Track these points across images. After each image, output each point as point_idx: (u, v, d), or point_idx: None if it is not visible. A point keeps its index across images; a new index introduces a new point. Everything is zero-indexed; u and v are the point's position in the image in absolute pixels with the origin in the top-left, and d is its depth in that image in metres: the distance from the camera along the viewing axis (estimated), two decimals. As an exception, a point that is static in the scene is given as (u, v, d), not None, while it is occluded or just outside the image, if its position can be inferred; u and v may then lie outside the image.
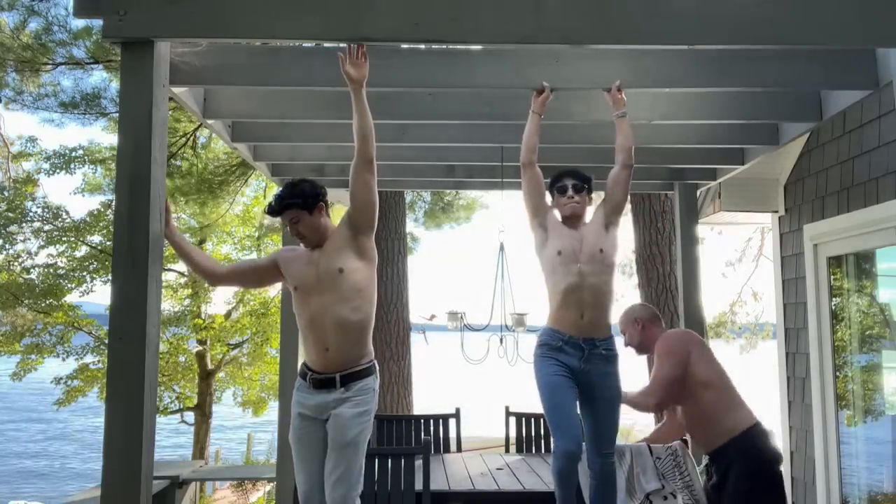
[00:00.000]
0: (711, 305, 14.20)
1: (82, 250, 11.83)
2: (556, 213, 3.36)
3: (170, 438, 14.46)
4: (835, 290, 4.78)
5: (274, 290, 12.81)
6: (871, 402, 4.55)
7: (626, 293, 11.14)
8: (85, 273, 11.68)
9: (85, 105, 9.00)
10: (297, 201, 2.91)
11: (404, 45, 3.26)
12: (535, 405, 6.03)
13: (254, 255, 13.43)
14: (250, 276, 3.29)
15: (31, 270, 11.69)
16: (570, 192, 3.29)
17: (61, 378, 11.98)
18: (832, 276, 4.79)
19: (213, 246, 13.26)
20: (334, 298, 2.80)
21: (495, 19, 2.53)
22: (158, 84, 2.57)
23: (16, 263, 11.69)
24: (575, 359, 3.14)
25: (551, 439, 3.29)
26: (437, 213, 12.89)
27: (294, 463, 2.91)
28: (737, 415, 3.29)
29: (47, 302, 11.57)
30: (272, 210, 2.96)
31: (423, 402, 9.82)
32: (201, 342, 12.72)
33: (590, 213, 3.42)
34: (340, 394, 2.82)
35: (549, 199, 3.42)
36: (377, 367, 2.94)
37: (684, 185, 5.08)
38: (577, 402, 3.17)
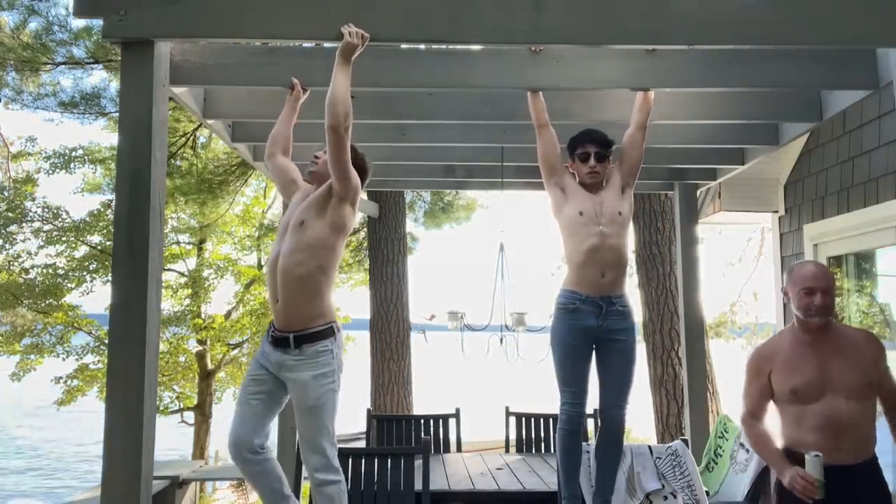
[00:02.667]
0: (711, 305, 14.17)
1: (82, 250, 11.83)
2: (574, 175, 3.38)
3: (170, 438, 14.47)
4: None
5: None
6: (871, 402, 4.54)
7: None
8: (85, 273, 11.67)
9: (85, 105, 9.01)
10: None
11: (404, 45, 3.26)
12: (534, 405, 6.04)
13: (254, 256, 13.41)
14: (284, 181, 3.21)
15: (31, 270, 11.68)
16: (592, 161, 3.29)
17: (61, 377, 11.98)
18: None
19: (213, 246, 13.27)
20: (287, 248, 2.83)
21: (495, 19, 2.53)
22: (158, 84, 2.58)
23: (16, 263, 11.68)
24: (592, 317, 3.21)
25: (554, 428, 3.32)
26: (437, 213, 12.88)
27: (236, 404, 2.90)
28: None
29: (47, 302, 11.56)
30: None
31: (423, 402, 9.82)
32: (201, 342, 12.71)
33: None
34: (295, 356, 2.79)
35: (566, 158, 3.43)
36: (337, 330, 2.89)
37: (684, 185, 5.08)
38: (589, 364, 3.26)
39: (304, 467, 2.87)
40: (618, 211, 3.25)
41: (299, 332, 2.80)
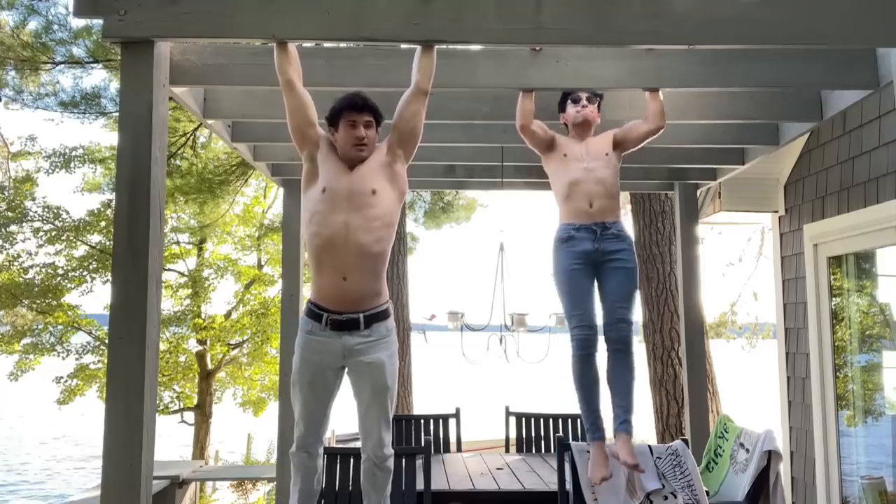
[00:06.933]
0: (711, 305, 14.18)
1: (81, 250, 11.82)
2: (563, 138, 3.41)
3: (170, 438, 14.48)
4: (835, 290, 4.78)
5: (274, 290, 12.81)
6: (871, 402, 4.55)
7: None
8: (85, 273, 11.66)
9: (85, 105, 9.01)
10: (376, 112, 2.88)
11: (404, 45, 3.25)
12: (534, 405, 6.04)
13: (254, 256, 13.41)
14: (300, 118, 2.81)
15: (30, 270, 11.68)
16: (584, 101, 3.34)
17: (61, 377, 11.97)
18: (832, 276, 4.79)
19: (213, 246, 13.26)
20: (360, 222, 2.69)
21: (495, 19, 2.53)
22: (158, 84, 2.58)
23: (16, 263, 11.67)
24: (588, 241, 3.24)
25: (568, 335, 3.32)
26: (437, 213, 12.89)
27: (299, 404, 2.81)
28: None
29: (47, 302, 11.55)
30: (357, 105, 2.81)
31: (423, 402, 9.81)
32: (201, 342, 12.70)
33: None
34: (365, 337, 2.73)
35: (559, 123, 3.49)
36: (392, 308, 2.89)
37: (684, 185, 5.08)
38: (592, 286, 3.27)
39: (365, 448, 2.86)
40: (604, 152, 3.31)
41: (368, 311, 2.74)
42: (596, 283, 3.29)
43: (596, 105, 3.38)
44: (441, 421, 5.50)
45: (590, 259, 3.24)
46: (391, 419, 2.86)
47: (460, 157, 4.66)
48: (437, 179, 5.18)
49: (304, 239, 2.86)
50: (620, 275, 3.26)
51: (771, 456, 3.80)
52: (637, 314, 7.34)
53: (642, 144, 3.37)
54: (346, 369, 2.82)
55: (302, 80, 2.79)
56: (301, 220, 2.86)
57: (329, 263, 2.71)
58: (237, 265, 12.92)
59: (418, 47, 2.74)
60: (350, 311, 2.72)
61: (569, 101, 3.40)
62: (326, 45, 3.14)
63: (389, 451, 2.86)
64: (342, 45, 3.11)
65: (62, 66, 8.73)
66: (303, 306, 2.89)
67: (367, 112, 2.83)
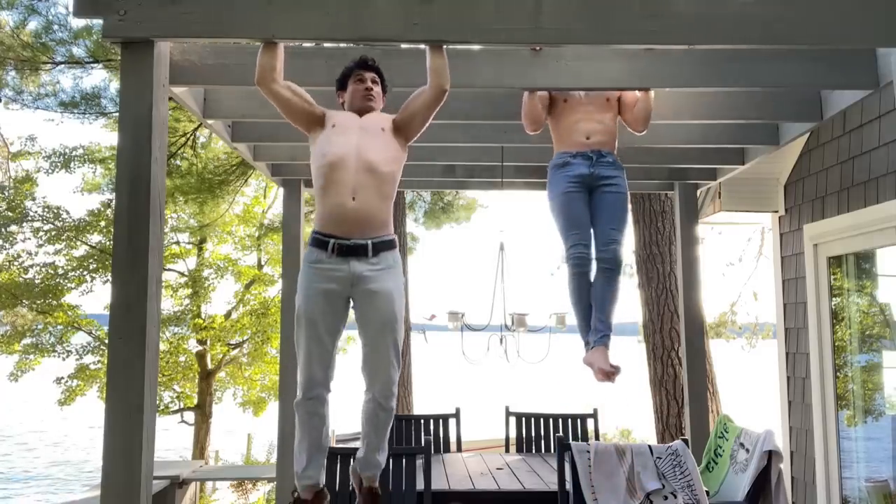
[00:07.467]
0: (711, 305, 14.17)
1: (81, 250, 11.82)
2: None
3: (170, 438, 14.47)
4: (835, 290, 4.78)
5: (274, 290, 12.82)
6: (871, 402, 4.55)
7: (625, 293, 11.07)
8: (85, 273, 11.67)
9: (85, 105, 9.01)
10: (383, 75, 2.99)
11: (404, 45, 3.25)
12: (534, 405, 6.04)
13: (254, 255, 13.41)
14: (296, 104, 2.84)
15: (30, 270, 11.68)
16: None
17: (62, 378, 11.98)
18: (832, 276, 4.79)
19: (213, 245, 13.26)
20: (370, 144, 2.73)
21: (495, 19, 2.53)
22: (158, 84, 2.58)
23: (16, 263, 11.67)
24: (584, 166, 3.32)
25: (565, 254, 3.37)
26: (437, 213, 12.89)
27: (304, 345, 2.70)
28: None
29: (47, 302, 11.55)
30: (365, 62, 2.93)
31: (423, 402, 9.82)
32: (201, 342, 12.70)
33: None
34: (373, 265, 2.67)
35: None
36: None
37: (684, 185, 5.08)
38: (588, 208, 3.34)
39: (371, 388, 2.73)
40: (605, 97, 3.37)
41: (376, 238, 2.70)
42: (589, 202, 3.36)
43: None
44: (441, 421, 5.50)
45: (584, 183, 3.31)
46: (399, 358, 2.74)
47: (460, 157, 4.66)
48: (437, 179, 5.18)
49: (312, 172, 2.81)
50: (613, 199, 3.33)
51: (771, 456, 3.80)
52: (637, 315, 7.35)
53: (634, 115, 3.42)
54: (353, 302, 2.73)
55: (278, 74, 2.78)
56: (311, 164, 2.82)
57: (337, 183, 2.67)
58: (237, 265, 12.93)
59: (427, 50, 2.73)
60: (357, 236, 2.68)
61: None
62: (326, 45, 3.13)
63: (395, 389, 2.75)
64: (342, 45, 3.11)
65: (62, 66, 8.73)
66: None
67: (374, 71, 2.94)
